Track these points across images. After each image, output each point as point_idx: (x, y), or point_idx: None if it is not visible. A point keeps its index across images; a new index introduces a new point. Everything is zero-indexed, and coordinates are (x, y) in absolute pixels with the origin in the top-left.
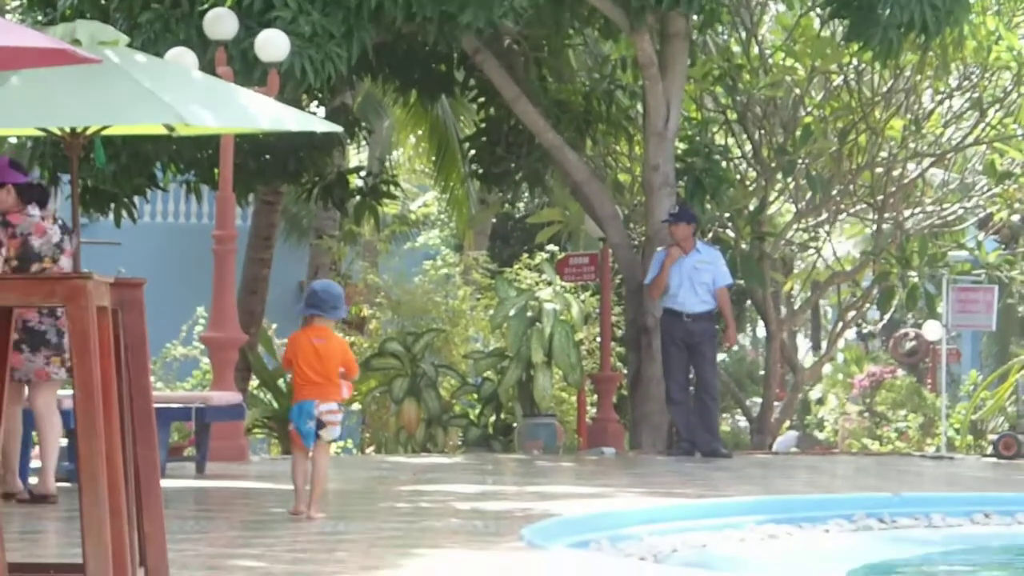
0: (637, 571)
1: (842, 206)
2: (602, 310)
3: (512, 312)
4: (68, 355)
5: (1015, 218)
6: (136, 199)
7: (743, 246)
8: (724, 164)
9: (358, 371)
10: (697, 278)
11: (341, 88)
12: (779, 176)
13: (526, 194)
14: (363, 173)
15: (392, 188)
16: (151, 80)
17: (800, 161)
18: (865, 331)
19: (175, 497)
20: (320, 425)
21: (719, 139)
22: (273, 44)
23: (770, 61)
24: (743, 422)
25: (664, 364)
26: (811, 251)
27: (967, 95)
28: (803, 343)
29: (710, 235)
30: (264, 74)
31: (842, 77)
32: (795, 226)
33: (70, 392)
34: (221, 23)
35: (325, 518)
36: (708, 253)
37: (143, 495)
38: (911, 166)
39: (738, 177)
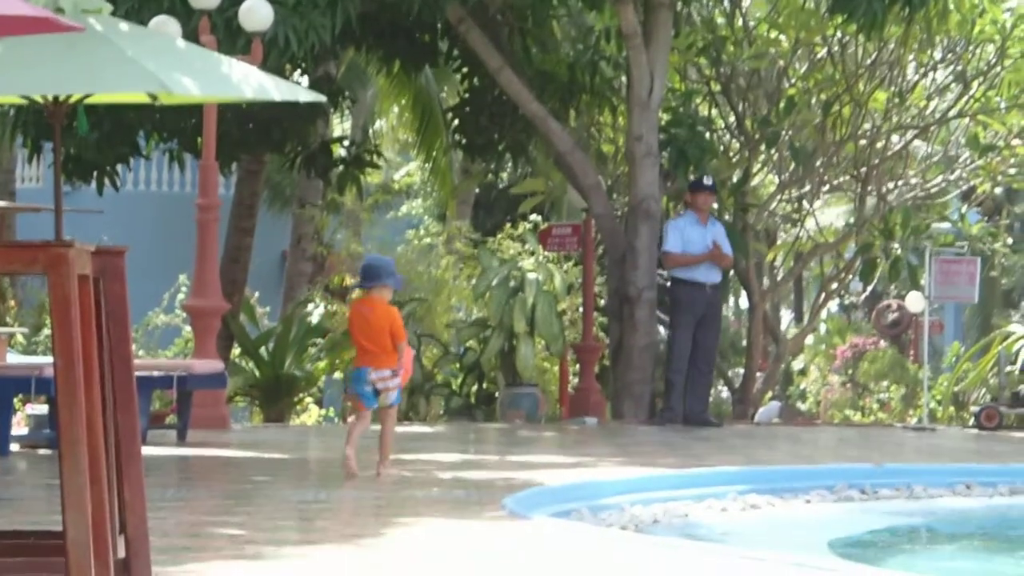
0: (618, 540)
1: (825, 178)
2: (585, 280)
3: (495, 282)
4: None
5: (998, 190)
6: (119, 167)
7: (726, 217)
8: (707, 135)
9: (405, 335)
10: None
11: (325, 57)
12: (762, 148)
13: (509, 164)
14: (346, 142)
15: (375, 157)
16: (134, 48)
17: (783, 133)
18: (848, 302)
19: (156, 465)
20: (376, 392)
21: (703, 110)
22: (257, 13)
23: (754, 32)
24: (725, 392)
25: (673, 335)
26: (795, 222)
27: (951, 68)
28: (786, 314)
29: None
30: (248, 43)
31: (826, 49)
32: (778, 197)
33: (51, 359)
34: None
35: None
36: (717, 225)
37: (124, 463)
38: (895, 138)
39: (721, 148)
